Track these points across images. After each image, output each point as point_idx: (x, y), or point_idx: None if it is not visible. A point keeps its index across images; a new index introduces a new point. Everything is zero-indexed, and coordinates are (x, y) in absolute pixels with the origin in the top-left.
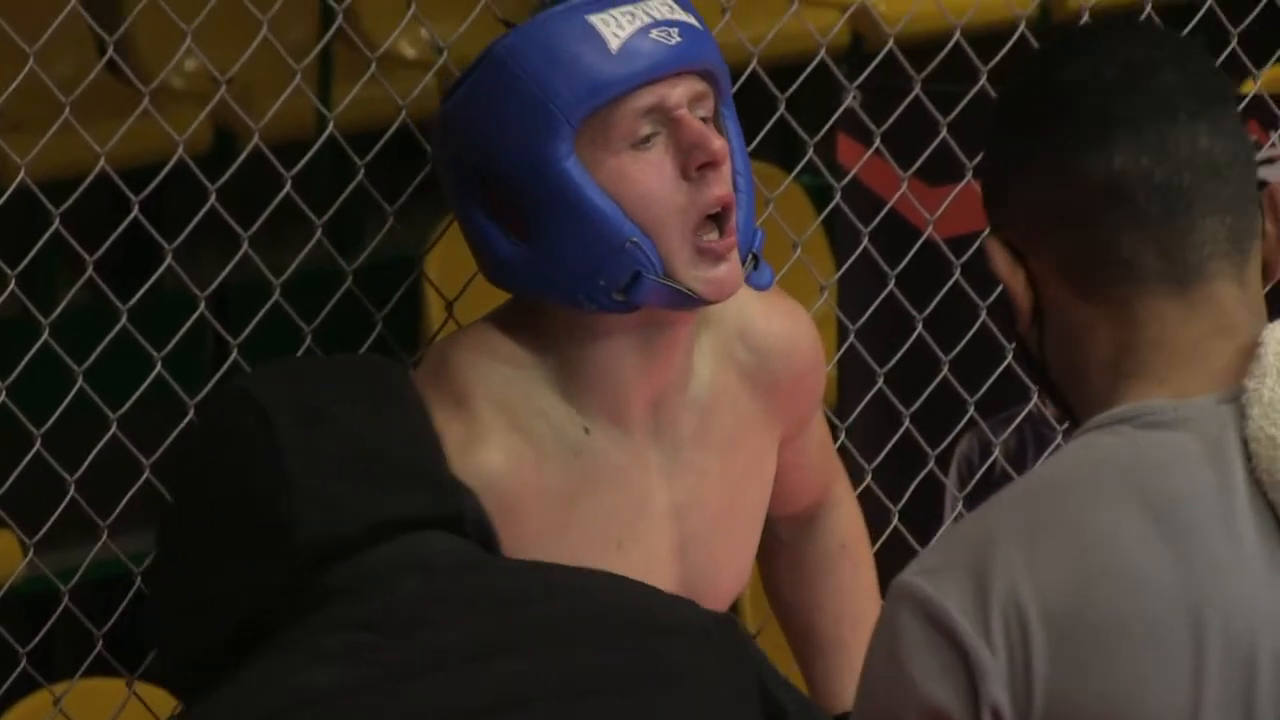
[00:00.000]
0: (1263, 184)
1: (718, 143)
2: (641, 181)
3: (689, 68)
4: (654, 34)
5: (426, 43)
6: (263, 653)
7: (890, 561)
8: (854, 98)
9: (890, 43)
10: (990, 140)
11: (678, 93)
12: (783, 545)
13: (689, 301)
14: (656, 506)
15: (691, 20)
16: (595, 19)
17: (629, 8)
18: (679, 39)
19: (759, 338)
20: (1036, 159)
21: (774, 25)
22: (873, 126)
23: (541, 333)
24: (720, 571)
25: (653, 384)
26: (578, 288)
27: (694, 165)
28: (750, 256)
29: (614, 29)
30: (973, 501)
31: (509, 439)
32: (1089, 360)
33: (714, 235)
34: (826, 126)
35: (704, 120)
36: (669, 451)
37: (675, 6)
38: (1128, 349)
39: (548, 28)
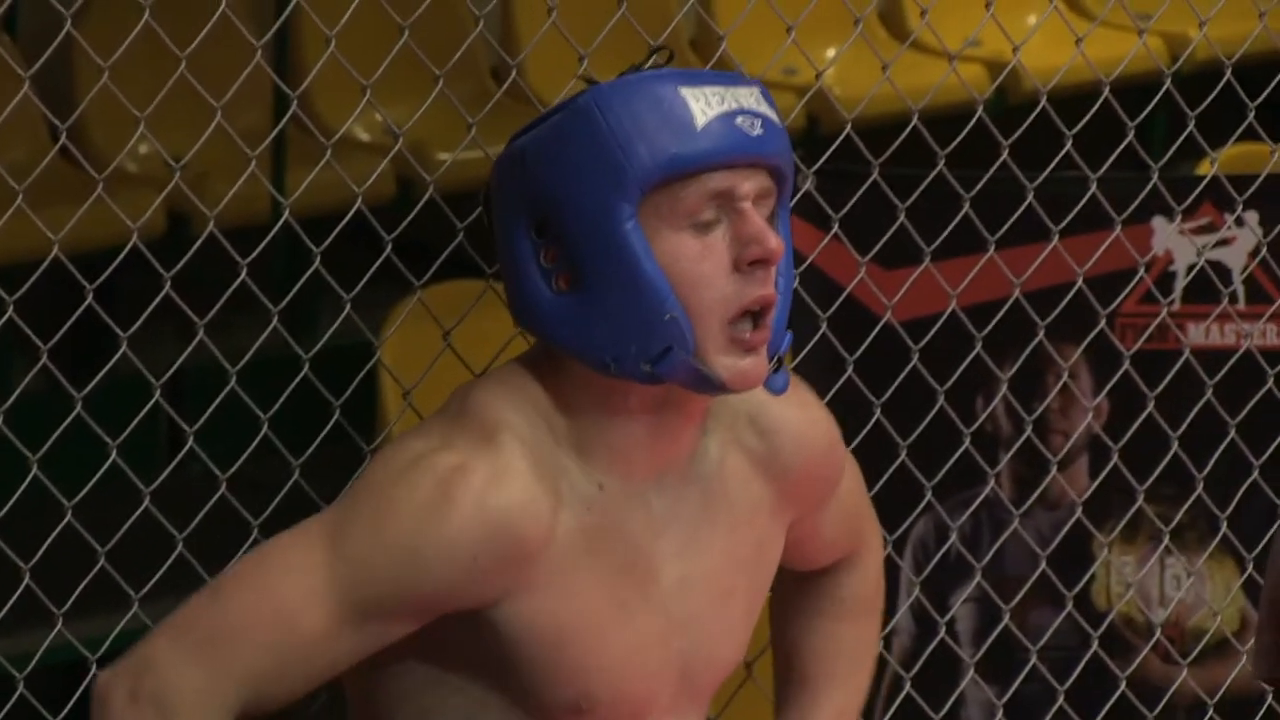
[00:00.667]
0: None
1: (775, 242)
2: (695, 263)
3: (765, 160)
4: (739, 120)
5: (381, 127)
6: None
7: None
8: (809, 182)
9: (848, 127)
10: None
11: (748, 185)
12: (795, 588)
13: (711, 386)
14: (664, 577)
15: (774, 117)
16: (687, 92)
17: (720, 89)
18: (761, 131)
19: (770, 423)
20: None
21: None
22: (830, 211)
23: (560, 385)
24: (717, 650)
25: (658, 456)
26: (607, 349)
27: (748, 259)
28: (775, 358)
29: (703, 105)
30: (928, 587)
31: (531, 480)
32: None
33: (748, 327)
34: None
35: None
36: (674, 525)
37: (762, 100)
38: None
39: (639, 88)
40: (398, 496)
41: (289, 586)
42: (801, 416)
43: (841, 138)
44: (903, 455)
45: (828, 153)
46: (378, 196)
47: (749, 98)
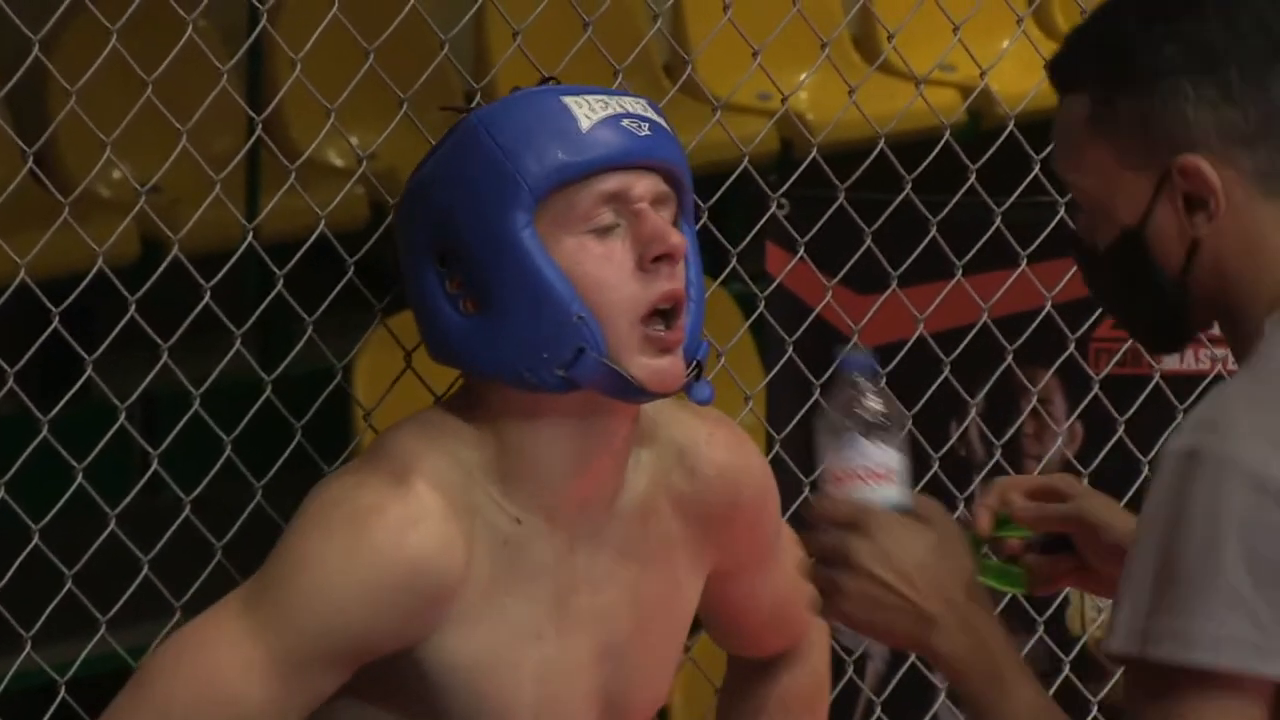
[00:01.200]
0: None
1: (676, 237)
2: (597, 266)
3: (655, 163)
4: (625, 123)
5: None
6: None
7: None
8: (781, 207)
9: (814, 151)
10: (1161, 84)
11: (642, 185)
12: (738, 684)
13: (629, 389)
14: (580, 607)
15: (662, 122)
16: (569, 100)
17: (604, 98)
18: (649, 133)
19: (698, 463)
20: (1228, 83)
21: (699, 132)
22: (796, 235)
23: (483, 417)
24: (639, 684)
25: (584, 483)
26: (521, 360)
27: (650, 256)
28: (694, 364)
29: (586, 111)
30: None
31: (444, 523)
32: (1267, 258)
33: (661, 327)
34: (750, 235)
35: None
36: (593, 556)
37: (649, 108)
38: None
39: (522, 103)
40: (313, 545)
41: (224, 666)
42: (731, 459)
43: (808, 161)
44: None
45: (793, 176)
46: (353, 221)
47: (635, 105)
